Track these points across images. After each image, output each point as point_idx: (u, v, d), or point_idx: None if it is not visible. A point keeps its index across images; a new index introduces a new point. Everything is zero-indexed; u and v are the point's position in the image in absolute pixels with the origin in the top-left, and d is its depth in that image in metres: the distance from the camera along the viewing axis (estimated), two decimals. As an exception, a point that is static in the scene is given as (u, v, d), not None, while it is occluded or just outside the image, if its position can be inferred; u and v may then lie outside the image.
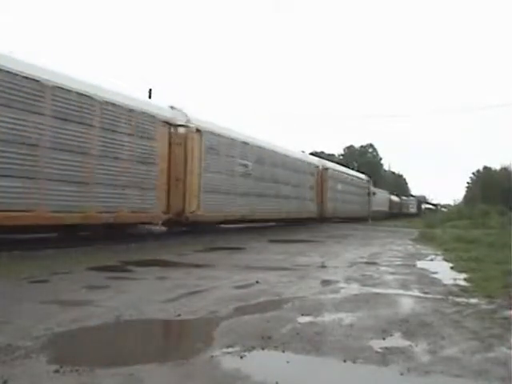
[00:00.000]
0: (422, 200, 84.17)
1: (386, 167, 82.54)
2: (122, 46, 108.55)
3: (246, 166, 16.81)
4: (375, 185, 46.84)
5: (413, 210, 68.21)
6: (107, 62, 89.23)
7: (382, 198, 46.09)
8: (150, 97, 23.53)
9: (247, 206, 16.96)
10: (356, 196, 33.74)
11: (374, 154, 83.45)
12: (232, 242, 13.18)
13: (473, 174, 68.56)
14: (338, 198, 28.75)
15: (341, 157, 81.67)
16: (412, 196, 75.02)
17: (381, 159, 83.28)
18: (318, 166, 25.89)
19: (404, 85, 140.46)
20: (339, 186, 29.13)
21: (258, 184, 17.89)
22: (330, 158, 77.83)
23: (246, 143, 17.09)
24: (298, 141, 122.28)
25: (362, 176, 38.41)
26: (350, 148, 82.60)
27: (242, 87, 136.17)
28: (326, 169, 27.24)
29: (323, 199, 26.11)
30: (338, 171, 30.42)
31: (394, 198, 55.13)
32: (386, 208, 45.50)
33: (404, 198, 64.43)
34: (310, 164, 24.90)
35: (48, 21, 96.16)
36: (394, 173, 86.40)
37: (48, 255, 8.52)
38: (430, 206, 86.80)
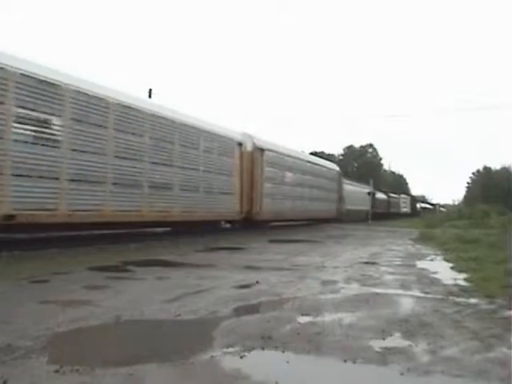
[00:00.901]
0: (417, 198, 75.70)
1: (386, 167, 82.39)
2: (122, 46, 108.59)
3: (43, 124, 9.37)
4: (375, 185, 44.13)
5: (405, 209, 59.38)
6: (108, 62, 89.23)
7: (361, 194, 37.73)
8: (150, 96, 23.53)
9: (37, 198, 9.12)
10: (318, 190, 25.25)
11: (374, 154, 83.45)
12: (232, 241, 13.18)
13: (473, 173, 68.79)
14: (286, 193, 20.61)
15: (341, 157, 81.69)
16: (404, 194, 65.34)
17: (381, 159, 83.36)
18: (241, 144, 16.98)
19: (403, 85, 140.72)
20: (287, 176, 20.87)
21: (82, 159, 10.16)
22: (329, 158, 78.03)
23: (48, 83, 9.46)
24: (299, 141, 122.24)
25: (330, 165, 29.63)
26: (349, 148, 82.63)
27: (243, 88, 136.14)
28: (262, 149, 18.27)
29: (254, 193, 17.70)
30: (285, 155, 20.86)
31: (379, 195, 46.09)
32: (366, 207, 38.20)
33: (393, 195, 53.95)
34: (223, 138, 15.87)
35: (48, 21, 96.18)
36: (393, 173, 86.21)
37: (48, 255, 8.52)
38: (427, 206, 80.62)
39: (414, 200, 69.64)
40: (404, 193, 66.52)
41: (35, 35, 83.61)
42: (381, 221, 36.70)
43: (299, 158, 23.38)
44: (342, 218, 29.80)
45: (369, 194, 36.68)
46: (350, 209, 32.63)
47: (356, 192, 36.19)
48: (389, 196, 51.06)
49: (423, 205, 78.93)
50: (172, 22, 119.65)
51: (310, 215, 24.64)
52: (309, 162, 24.76)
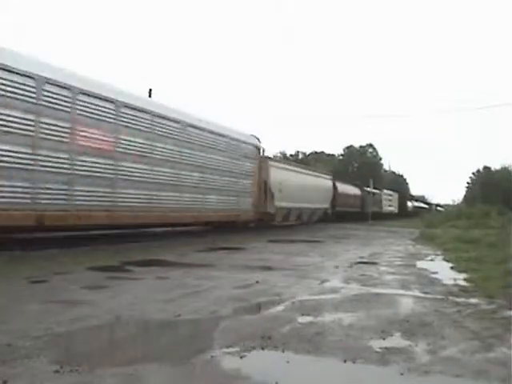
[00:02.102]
0: (409, 196, 64.59)
1: (386, 167, 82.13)
2: (122, 46, 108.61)
3: None
4: (375, 184, 40.85)
5: (391, 208, 48.30)
6: (108, 62, 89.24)
7: (313, 185, 25.76)
8: (150, 96, 23.51)
9: None
10: (206, 174, 14.91)
11: (374, 154, 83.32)
12: (232, 241, 13.17)
13: (473, 173, 68.61)
14: (93, 170, 10.45)
15: (341, 157, 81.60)
16: (389, 189, 51.04)
17: (381, 159, 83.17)
18: None
19: (404, 85, 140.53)
20: (99, 136, 10.72)
21: None
22: (329, 158, 77.95)
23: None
24: (299, 141, 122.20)
25: (240, 135, 17.71)
26: (349, 148, 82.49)
27: (243, 88, 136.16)
28: None
29: None
30: (96, 95, 10.66)
31: (347, 189, 34.58)
32: (324, 204, 27.72)
33: (372, 190, 41.04)
34: None
35: (48, 21, 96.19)
36: (394, 173, 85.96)
37: (48, 255, 8.52)
38: (422, 205, 72.11)
39: (404, 197, 58.23)
40: (391, 189, 53.01)
41: (35, 35, 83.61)
42: (346, 223, 28.51)
43: (141, 110, 12.13)
44: (268, 220, 19.87)
45: (260, 174, 20.36)
46: (289, 207, 21.67)
47: (300, 182, 23.30)
48: (364, 190, 39.08)
49: (417, 204, 68.45)
50: (172, 21, 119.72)
51: (180, 216, 13.84)
52: (176, 121, 13.58)
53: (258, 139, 19.15)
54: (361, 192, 38.37)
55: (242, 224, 18.02)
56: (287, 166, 23.41)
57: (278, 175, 20.53)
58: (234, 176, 16.72)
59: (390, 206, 48.17)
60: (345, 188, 33.92)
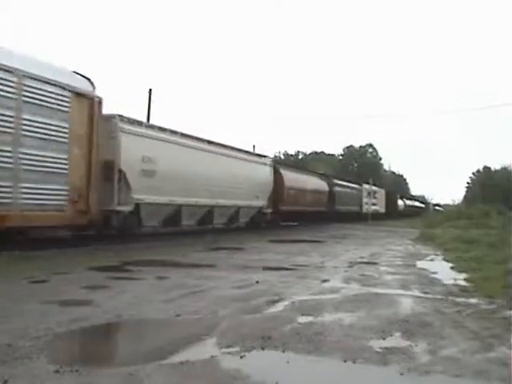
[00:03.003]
0: (399, 193, 55.01)
1: (386, 167, 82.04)
2: (122, 46, 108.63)
3: None
4: (373, 184, 39.73)
5: (375, 207, 39.93)
6: (108, 62, 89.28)
7: (233, 171, 17.09)
8: (150, 97, 23.50)
9: None
10: None
11: (374, 154, 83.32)
12: (232, 241, 13.17)
13: (473, 173, 68.64)
14: None
15: (340, 157, 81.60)
16: (370, 184, 39.82)
17: (381, 159, 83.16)
18: None
19: (404, 85, 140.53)
20: None
21: None
22: (329, 158, 77.94)
23: None
24: (299, 141, 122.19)
25: (27, 59, 9.08)
26: (349, 148, 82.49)
27: (243, 89, 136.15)
28: None
29: None
30: None
31: (305, 180, 24.96)
32: (257, 201, 19.07)
33: (344, 183, 33.56)
34: None
35: (49, 20, 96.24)
36: (394, 173, 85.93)
37: (48, 255, 8.51)
38: (417, 204, 66.60)
39: (394, 195, 49.74)
40: (375, 184, 42.30)
41: (35, 35, 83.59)
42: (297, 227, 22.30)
43: None
44: (124, 225, 11.93)
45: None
46: (177, 203, 13.76)
47: (205, 164, 15.21)
48: (332, 183, 30.02)
49: (410, 202, 61.23)
50: (172, 22, 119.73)
51: None
52: None
53: (89, 80, 10.78)
54: (328, 187, 28.77)
55: (19, 234, 9.38)
56: (169, 137, 13.68)
57: (145, 148, 12.51)
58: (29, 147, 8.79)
59: (373, 204, 39.54)
60: (300, 179, 24.16)
